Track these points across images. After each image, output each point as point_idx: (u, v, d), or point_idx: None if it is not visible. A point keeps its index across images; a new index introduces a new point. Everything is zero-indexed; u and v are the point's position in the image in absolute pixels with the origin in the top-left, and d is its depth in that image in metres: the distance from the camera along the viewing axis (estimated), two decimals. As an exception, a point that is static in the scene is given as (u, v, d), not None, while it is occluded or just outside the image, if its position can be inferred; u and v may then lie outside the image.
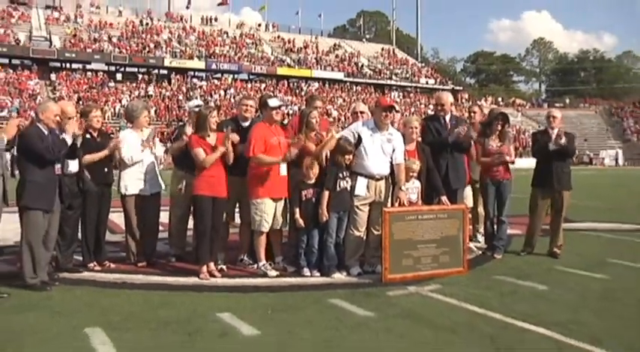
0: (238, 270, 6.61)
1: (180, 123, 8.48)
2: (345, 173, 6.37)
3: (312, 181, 6.37)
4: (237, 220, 6.95)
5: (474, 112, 7.80)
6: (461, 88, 67.86)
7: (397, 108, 7.00)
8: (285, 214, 6.54)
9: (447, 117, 7.24)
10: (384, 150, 6.33)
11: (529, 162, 7.73)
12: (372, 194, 6.39)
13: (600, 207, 13.98)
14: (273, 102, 6.45)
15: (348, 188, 6.36)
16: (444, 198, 6.55)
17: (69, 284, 5.90)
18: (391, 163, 6.45)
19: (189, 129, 6.83)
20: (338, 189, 6.33)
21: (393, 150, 6.39)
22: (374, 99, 54.23)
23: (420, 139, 6.98)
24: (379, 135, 6.31)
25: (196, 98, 34.79)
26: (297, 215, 6.32)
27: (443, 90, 54.30)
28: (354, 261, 6.44)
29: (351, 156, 6.36)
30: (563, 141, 7.24)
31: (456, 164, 7.17)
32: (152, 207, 6.86)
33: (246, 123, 6.78)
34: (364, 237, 6.48)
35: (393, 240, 6.10)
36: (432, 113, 7.74)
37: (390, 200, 6.50)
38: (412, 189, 6.59)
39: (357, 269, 6.34)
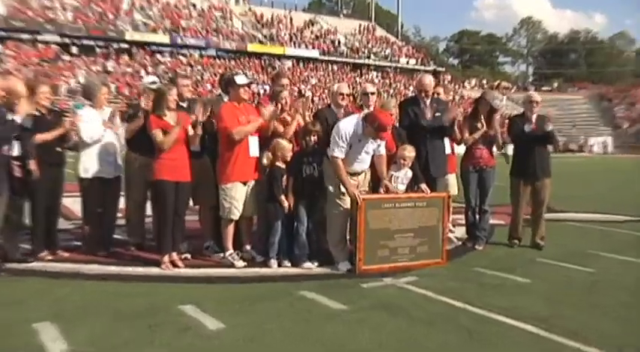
0: (203, 260, 6.62)
1: (135, 102, 8.39)
2: (310, 158, 6.42)
3: (285, 166, 6.43)
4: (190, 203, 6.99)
5: (437, 94, 7.80)
6: (443, 68, 68.23)
7: (373, 90, 7.08)
8: (256, 199, 6.56)
9: (428, 101, 7.28)
10: (369, 149, 6.38)
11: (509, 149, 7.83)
12: (356, 182, 6.43)
13: (586, 196, 14.28)
14: (240, 79, 6.45)
15: (316, 174, 6.41)
16: (423, 186, 6.62)
17: (16, 275, 5.83)
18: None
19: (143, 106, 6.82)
20: (304, 175, 6.38)
21: (378, 145, 6.41)
22: (350, 80, 54.68)
23: (396, 124, 7.04)
24: (366, 138, 6.25)
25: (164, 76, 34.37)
26: (284, 202, 6.35)
27: (425, 71, 54.63)
28: (341, 253, 6.40)
29: (315, 137, 6.40)
30: (550, 127, 7.32)
31: (436, 151, 7.22)
32: (113, 192, 6.81)
33: (185, 103, 6.83)
34: (346, 226, 6.50)
35: (368, 229, 6.15)
36: (412, 95, 7.79)
37: (368, 187, 6.56)
38: (403, 178, 6.65)
39: (346, 264, 6.31)
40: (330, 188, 6.35)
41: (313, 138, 6.44)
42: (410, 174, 6.69)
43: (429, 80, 7.34)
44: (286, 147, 6.40)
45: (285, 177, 6.41)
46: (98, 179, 6.65)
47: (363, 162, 6.41)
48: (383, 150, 6.46)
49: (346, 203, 6.30)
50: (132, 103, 8.34)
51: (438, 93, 7.76)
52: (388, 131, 6.19)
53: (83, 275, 5.91)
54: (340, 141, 6.13)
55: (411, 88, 56.29)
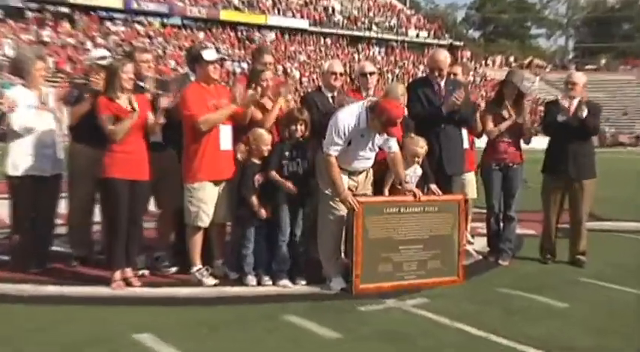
0: (164, 277, 6.65)
1: (80, 81, 8.38)
2: (294, 152, 6.47)
3: (262, 162, 6.47)
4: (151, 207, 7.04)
5: (454, 75, 7.84)
6: (461, 43, 68.38)
7: (372, 69, 7.13)
8: (229, 203, 6.58)
9: (442, 83, 7.30)
10: (374, 144, 6.39)
11: (542, 142, 7.86)
12: (355, 182, 6.49)
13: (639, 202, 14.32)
14: (208, 54, 6.47)
15: (300, 171, 6.46)
16: (433, 187, 6.65)
17: None
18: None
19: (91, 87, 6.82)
20: (285, 173, 6.44)
21: (386, 139, 6.40)
22: (348, 56, 54.68)
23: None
24: (371, 131, 6.26)
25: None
26: (256, 205, 6.38)
27: (439, 46, 54.73)
28: (334, 269, 6.44)
29: (302, 127, 6.44)
30: (584, 113, 7.34)
31: (451, 144, 7.25)
32: (50, 193, 6.81)
33: (144, 83, 6.88)
34: (341, 235, 6.54)
35: (367, 239, 6.19)
36: (423, 76, 7.83)
37: (369, 188, 6.62)
38: (412, 177, 6.68)
39: (340, 282, 6.33)
40: (323, 187, 6.39)
41: (300, 128, 6.47)
42: (419, 171, 6.73)
43: (443, 56, 7.35)
44: (263, 137, 6.43)
45: (262, 174, 6.45)
46: (31, 177, 6.63)
47: (364, 160, 6.44)
48: (396, 147, 6.45)
49: (342, 206, 6.33)
50: (76, 83, 8.33)
51: (455, 74, 7.79)
52: (398, 126, 6.17)
53: (10, 297, 5.89)
54: (337, 137, 6.14)
55: (422, 67, 56.48)
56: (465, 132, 7.65)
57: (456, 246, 6.63)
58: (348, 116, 6.18)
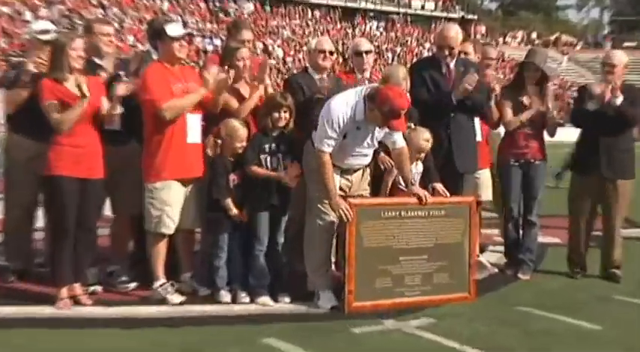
0: (121, 294, 6.65)
1: (18, 60, 8.35)
2: (276, 145, 6.47)
3: (235, 158, 6.48)
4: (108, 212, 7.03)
5: (466, 53, 7.80)
6: (475, 16, 68.45)
7: (368, 47, 7.16)
8: (199, 205, 6.60)
9: (452, 63, 7.27)
10: (373, 139, 6.38)
11: (570, 134, 7.89)
12: (349, 182, 6.49)
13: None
14: (173, 28, 6.45)
15: (282, 168, 6.47)
16: (439, 186, 6.66)
17: None
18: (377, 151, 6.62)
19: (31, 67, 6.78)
20: (264, 166, 6.46)
21: (387, 132, 6.38)
22: (341, 32, 54.60)
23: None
24: (368, 127, 6.27)
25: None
26: (232, 208, 6.40)
27: (448, 20, 54.79)
28: (323, 283, 6.44)
29: (286, 115, 6.45)
30: (619, 100, 7.30)
31: (463, 135, 7.25)
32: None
33: (105, 62, 6.86)
34: (332, 244, 6.59)
35: (361, 247, 6.19)
36: (429, 55, 7.83)
37: (367, 188, 6.64)
38: (414, 175, 6.71)
39: (330, 298, 6.34)
40: (311, 187, 6.39)
41: (283, 115, 6.46)
42: (420, 168, 6.77)
43: (454, 32, 7.31)
44: (238, 132, 6.41)
45: (237, 172, 6.46)
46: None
47: (361, 157, 6.45)
48: (401, 142, 6.43)
49: (331, 212, 6.33)
50: (13, 62, 8.29)
51: (466, 53, 7.80)
52: (402, 118, 6.12)
53: None
54: (330, 130, 6.11)
55: (428, 45, 56.49)
56: (477, 122, 7.63)
57: (466, 256, 6.64)
58: (343, 105, 6.14)
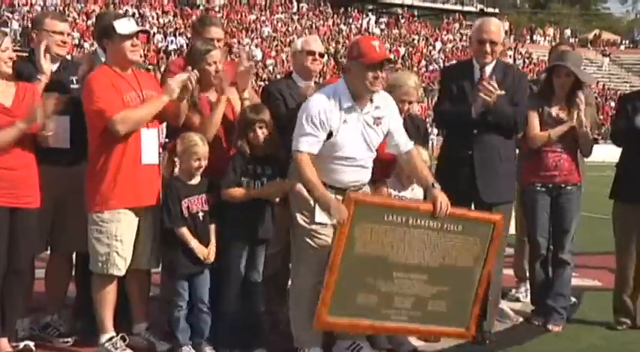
0: (58, 350, 6.62)
1: None
2: (259, 167, 6.49)
3: (196, 181, 6.50)
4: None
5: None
6: (496, 9, 68.81)
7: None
8: (155, 240, 6.58)
9: (488, 69, 7.14)
10: (366, 140, 6.35)
11: (613, 153, 7.89)
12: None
13: None
14: (123, 25, 6.41)
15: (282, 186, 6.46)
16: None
17: None
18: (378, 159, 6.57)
19: None
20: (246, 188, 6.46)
21: (387, 134, 6.41)
22: (330, 30, 54.72)
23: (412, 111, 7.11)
24: (358, 116, 6.28)
25: None
26: (189, 240, 6.39)
27: (462, 14, 55.10)
28: (310, 339, 6.39)
29: (263, 131, 6.44)
30: None
31: (488, 157, 7.09)
32: None
33: (54, 66, 6.82)
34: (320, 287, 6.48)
35: (351, 253, 6.05)
36: (463, 59, 7.76)
37: None
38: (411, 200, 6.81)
39: None
40: (298, 216, 6.33)
41: (260, 132, 6.47)
42: (420, 194, 6.84)
43: (496, 26, 7.16)
44: (196, 144, 6.38)
45: (187, 201, 6.46)
46: None
47: (358, 170, 6.37)
48: (406, 144, 6.48)
49: (323, 241, 6.26)
50: None
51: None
52: (381, 57, 6.10)
53: None
54: (309, 125, 6.10)
55: (438, 46, 56.73)
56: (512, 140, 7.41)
57: (474, 286, 6.54)
58: (324, 99, 6.18)
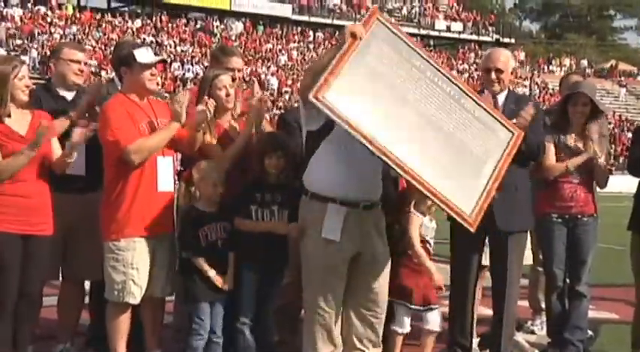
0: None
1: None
2: (269, 194, 6.45)
3: (214, 209, 6.47)
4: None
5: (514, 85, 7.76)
6: (512, 39, 68.84)
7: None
8: (171, 268, 6.58)
9: (502, 97, 7.10)
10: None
11: (630, 183, 7.85)
12: (356, 236, 6.16)
13: None
14: (143, 54, 6.43)
15: (276, 219, 6.42)
16: None
17: None
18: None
19: None
20: (254, 220, 6.44)
21: None
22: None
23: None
24: None
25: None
26: (206, 269, 6.35)
27: (478, 44, 55.16)
28: None
29: (282, 160, 6.41)
30: None
31: (506, 186, 6.89)
32: None
33: (70, 94, 6.87)
34: (338, 319, 6.24)
35: (362, 60, 5.68)
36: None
37: (383, 248, 6.35)
38: (432, 230, 6.86)
39: None
40: (307, 245, 6.12)
41: (276, 162, 6.41)
42: (433, 224, 6.85)
43: (505, 56, 7.15)
44: (212, 169, 6.39)
45: (213, 225, 6.43)
46: None
47: (364, 180, 6.07)
48: None
49: (330, 261, 6.05)
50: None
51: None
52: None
53: None
54: (306, 109, 5.97)
55: (455, 73, 56.67)
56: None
57: (485, 178, 6.14)
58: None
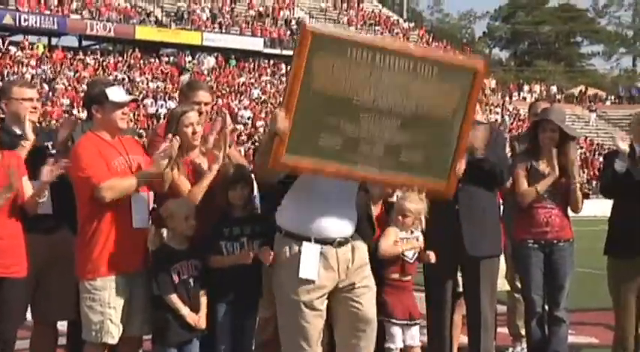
0: None
1: None
2: (239, 228, 6.44)
3: (185, 246, 6.43)
4: (29, 317, 6.93)
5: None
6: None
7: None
8: (149, 306, 6.51)
9: None
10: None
11: (604, 207, 7.87)
12: (333, 272, 6.05)
13: None
14: (115, 93, 6.41)
15: (251, 255, 6.32)
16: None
17: None
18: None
19: None
20: (225, 255, 6.42)
21: None
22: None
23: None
24: None
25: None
26: (180, 307, 6.30)
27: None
28: None
29: (243, 192, 6.42)
30: None
31: (475, 210, 7.11)
32: None
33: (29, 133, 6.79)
34: None
35: (308, 89, 5.49)
36: None
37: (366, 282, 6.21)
38: (411, 241, 6.85)
39: None
40: (281, 275, 6.01)
41: (241, 193, 6.44)
42: (419, 236, 6.85)
43: None
44: (181, 205, 6.36)
45: (184, 263, 6.39)
46: None
47: (338, 215, 6.01)
48: None
49: (314, 311, 5.93)
50: None
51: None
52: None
53: None
54: None
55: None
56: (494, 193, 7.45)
57: (454, 140, 5.98)
58: None
